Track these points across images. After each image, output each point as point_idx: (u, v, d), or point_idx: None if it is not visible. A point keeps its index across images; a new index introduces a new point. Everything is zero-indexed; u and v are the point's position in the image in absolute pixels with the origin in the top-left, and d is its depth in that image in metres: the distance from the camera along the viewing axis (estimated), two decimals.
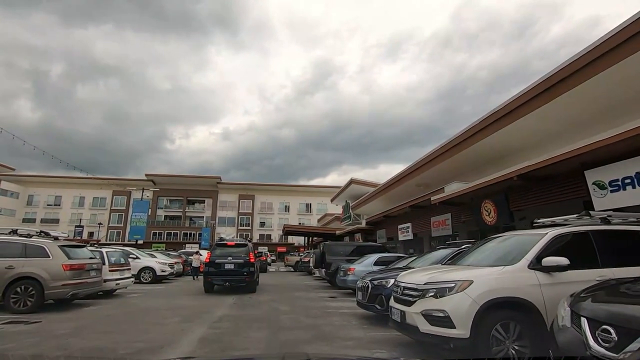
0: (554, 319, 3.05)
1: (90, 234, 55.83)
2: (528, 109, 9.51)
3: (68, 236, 9.86)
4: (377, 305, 6.44)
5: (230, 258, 11.87)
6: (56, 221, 58.76)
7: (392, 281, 6.41)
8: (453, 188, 12.07)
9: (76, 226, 50.21)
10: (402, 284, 4.72)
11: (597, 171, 6.86)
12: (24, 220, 56.89)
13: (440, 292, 4.02)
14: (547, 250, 4.17)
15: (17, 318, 6.88)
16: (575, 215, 5.06)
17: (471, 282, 3.90)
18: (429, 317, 3.99)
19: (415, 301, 4.25)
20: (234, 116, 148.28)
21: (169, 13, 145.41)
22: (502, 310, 3.81)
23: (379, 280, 6.62)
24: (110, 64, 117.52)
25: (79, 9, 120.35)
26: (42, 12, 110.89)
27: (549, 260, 3.94)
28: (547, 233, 4.39)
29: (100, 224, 56.93)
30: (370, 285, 6.67)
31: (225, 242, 12.72)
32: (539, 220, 5.47)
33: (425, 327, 4.00)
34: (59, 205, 60.67)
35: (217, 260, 11.79)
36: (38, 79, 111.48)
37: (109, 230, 60.09)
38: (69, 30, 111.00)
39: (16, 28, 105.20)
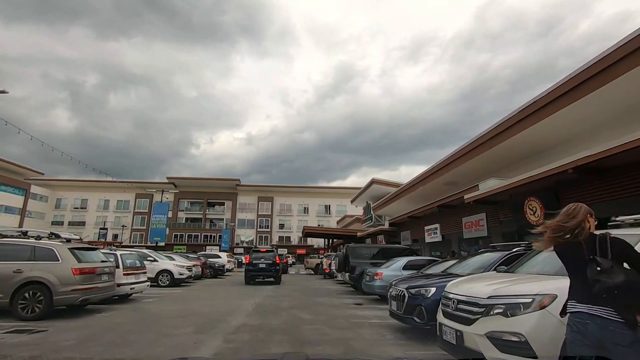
0: None
1: (115, 236, 57.06)
2: (579, 94, 8.38)
3: (80, 238, 9.44)
4: (415, 318, 5.57)
5: (262, 260, 16.53)
6: (82, 224, 60.48)
7: (433, 290, 5.55)
8: (489, 185, 10.98)
9: (100, 228, 51.27)
10: (455, 296, 3.85)
11: None
12: (53, 223, 58.82)
13: (512, 309, 3.14)
14: None
15: (23, 326, 6.41)
16: None
17: (554, 296, 3.00)
18: (497, 341, 3.12)
19: (476, 319, 3.37)
20: (256, 121, 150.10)
21: (196, 24, 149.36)
22: None
23: (417, 289, 5.74)
24: (140, 73, 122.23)
25: (112, 23, 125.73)
26: (78, 27, 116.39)
27: None
28: None
29: (124, 226, 58.11)
30: (407, 295, 5.79)
31: (259, 249, 18.05)
32: (617, 218, 4.46)
33: (493, 353, 3.13)
34: (85, 208, 62.43)
35: (254, 261, 16.55)
36: (74, 90, 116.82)
37: (133, 233, 61.26)
38: (103, 43, 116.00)
39: (54, 43, 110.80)
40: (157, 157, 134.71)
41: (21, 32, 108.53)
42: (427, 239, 17.51)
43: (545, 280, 3.33)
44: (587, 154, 6.86)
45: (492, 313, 3.26)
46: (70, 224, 60.13)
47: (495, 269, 5.59)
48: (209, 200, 64.04)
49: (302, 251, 57.62)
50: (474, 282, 4.05)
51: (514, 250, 5.98)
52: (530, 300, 3.06)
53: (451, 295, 3.99)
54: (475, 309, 3.43)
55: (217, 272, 21.72)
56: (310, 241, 58.13)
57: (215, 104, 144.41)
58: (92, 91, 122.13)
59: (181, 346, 5.25)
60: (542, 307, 2.98)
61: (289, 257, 38.21)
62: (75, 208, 62.32)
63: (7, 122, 15.53)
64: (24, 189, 53.82)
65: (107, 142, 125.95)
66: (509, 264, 5.38)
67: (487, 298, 3.36)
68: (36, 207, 57.32)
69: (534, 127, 10.29)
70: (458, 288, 3.98)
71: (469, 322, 3.45)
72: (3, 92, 12.15)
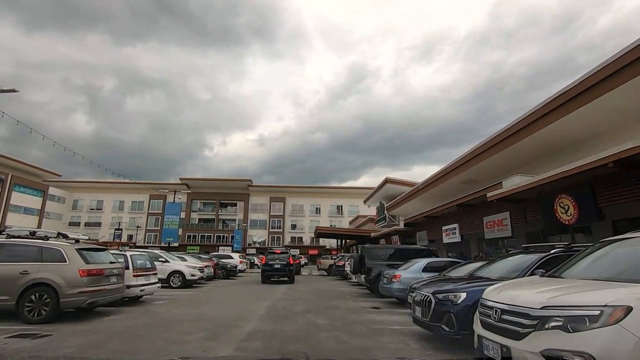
0: None
1: (130, 237, 57.80)
2: (617, 82, 7.70)
3: (89, 239, 9.21)
4: (444, 327, 5.06)
5: (277, 260, 17.85)
6: (98, 225, 61.54)
7: (463, 295, 5.04)
8: (514, 182, 10.32)
9: (116, 229, 52.01)
10: (496, 305, 3.35)
11: None
12: (70, 224, 60.06)
13: (574, 323, 2.62)
14: None
15: (29, 329, 6.17)
16: None
17: (629, 308, 2.48)
18: None
19: (528, 333, 2.86)
20: (269, 122, 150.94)
21: (209, 28, 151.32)
22: None
23: (444, 294, 5.23)
24: (155, 77, 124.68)
25: (128, 28, 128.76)
26: (96, 33, 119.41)
27: None
28: None
29: (138, 227, 58.81)
30: (433, 300, 5.29)
31: (274, 250, 19.09)
32: None
33: None
34: (101, 209, 63.51)
35: (269, 262, 17.87)
36: (92, 94, 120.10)
37: (147, 233, 62.00)
38: (119, 48, 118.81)
39: (73, 49, 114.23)
40: (172, 159, 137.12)
41: (42, 40, 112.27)
42: (445, 240, 16.85)
43: (612, 288, 2.79)
44: (631, 146, 6.22)
45: (547, 327, 2.75)
46: (87, 224, 61.29)
47: (532, 273, 5.04)
48: (221, 201, 64.34)
49: (315, 252, 57.25)
50: (518, 288, 3.54)
51: (553, 251, 5.40)
52: (598, 312, 2.54)
53: (491, 303, 3.48)
54: (525, 321, 2.92)
55: (230, 273, 21.46)
56: (323, 242, 57.73)
57: (229, 106, 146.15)
58: (109, 95, 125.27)
59: (190, 354, 4.87)
60: (615, 322, 2.46)
61: (301, 257, 38.29)
62: (91, 209, 63.49)
63: (18, 121, 15.65)
64: (42, 191, 55.09)
65: (123, 145, 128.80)
66: (547, 268, 4.84)
67: (541, 309, 2.85)
68: (54, 208, 58.60)
69: (563, 120, 9.60)
70: (500, 295, 3.46)
71: (518, 336, 2.94)
72: (13, 90, 12.15)
